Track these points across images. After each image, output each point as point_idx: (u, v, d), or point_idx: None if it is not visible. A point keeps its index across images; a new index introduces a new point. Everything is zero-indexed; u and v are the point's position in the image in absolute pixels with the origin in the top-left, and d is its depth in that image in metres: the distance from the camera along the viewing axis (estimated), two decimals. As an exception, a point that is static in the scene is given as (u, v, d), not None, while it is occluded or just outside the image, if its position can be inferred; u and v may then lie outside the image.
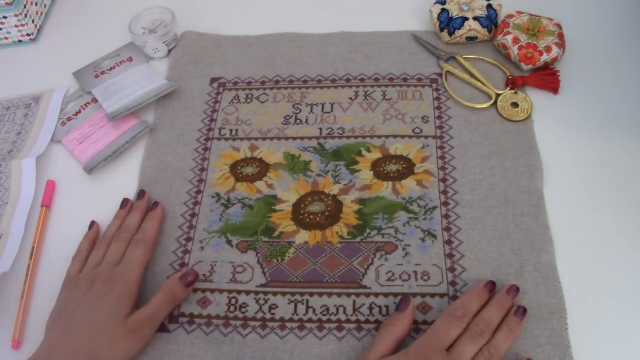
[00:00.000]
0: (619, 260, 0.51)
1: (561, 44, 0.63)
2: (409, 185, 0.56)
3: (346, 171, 0.58)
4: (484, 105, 0.61)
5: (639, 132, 0.58)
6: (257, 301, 0.51)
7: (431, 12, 0.68)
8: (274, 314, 0.50)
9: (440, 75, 0.65)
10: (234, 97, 0.66)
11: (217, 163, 0.60)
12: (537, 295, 0.49)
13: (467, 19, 0.65)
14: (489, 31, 0.66)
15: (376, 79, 0.65)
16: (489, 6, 0.66)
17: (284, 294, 0.51)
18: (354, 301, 0.50)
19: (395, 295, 0.50)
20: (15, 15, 0.72)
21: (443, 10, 0.67)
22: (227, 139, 0.62)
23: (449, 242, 0.53)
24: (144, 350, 0.49)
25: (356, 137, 0.61)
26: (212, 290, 0.52)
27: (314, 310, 0.50)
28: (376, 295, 0.50)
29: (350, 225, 0.54)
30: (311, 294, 0.51)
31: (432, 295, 0.50)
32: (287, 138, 0.61)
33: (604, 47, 0.66)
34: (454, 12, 0.66)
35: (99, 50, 0.71)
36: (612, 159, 0.57)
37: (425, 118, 0.61)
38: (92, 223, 0.56)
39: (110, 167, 0.62)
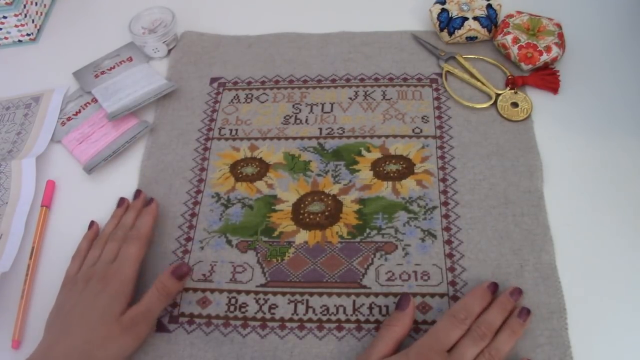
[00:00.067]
0: (619, 260, 0.51)
1: (561, 44, 0.63)
2: (409, 185, 0.56)
3: (346, 171, 0.58)
4: (484, 105, 0.61)
5: (639, 132, 0.58)
6: (257, 301, 0.51)
7: (431, 12, 0.68)
8: (274, 314, 0.50)
9: (440, 75, 0.65)
10: (234, 97, 0.66)
11: (217, 163, 0.60)
12: (537, 295, 0.49)
13: (467, 19, 0.65)
14: (489, 31, 0.66)
15: (376, 79, 0.65)
16: (489, 6, 0.66)
17: (284, 294, 0.51)
18: (354, 301, 0.50)
19: (395, 295, 0.50)
20: (15, 15, 0.72)
21: (443, 10, 0.67)
22: (227, 139, 0.62)
23: (449, 242, 0.53)
24: (144, 350, 0.49)
25: (356, 137, 0.61)
26: (212, 290, 0.52)
27: (314, 310, 0.50)
28: (376, 295, 0.50)
29: (350, 225, 0.54)
30: (311, 294, 0.51)
31: (432, 295, 0.50)
32: (287, 138, 0.61)
33: (604, 47, 0.66)
34: (454, 12, 0.66)
35: (99, 50, 0.71)
36: (612, 159, 0.57)
37: (425, 118, 0.61)
38: (92, 223, 0.56)
39: (110, 167, 0.62)
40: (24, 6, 0.73)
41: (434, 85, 0.64)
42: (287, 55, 0.69)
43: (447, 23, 0.66)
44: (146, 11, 0.72)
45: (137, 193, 0.58)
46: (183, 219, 0.57)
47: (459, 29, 0.65)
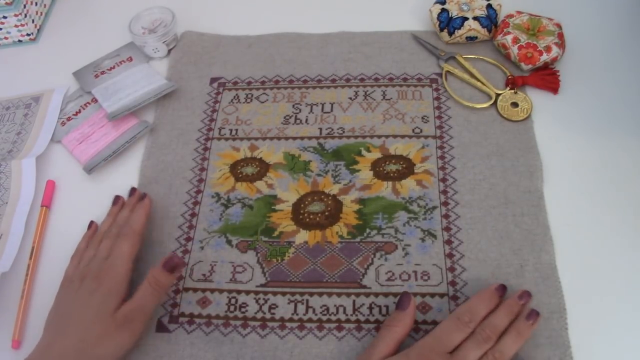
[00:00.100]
0: (619, 260, 0.51)
1: (561, 44, 0.63)
2: (409, 185, 0.56)
3: (346, 171, 0.58)
4: (484, 105, 0.61)
5: (639, 132, 0.58)
6: (257, 301, 0.51)
7: (431, 12, 0.68)
8: (274, 314, 0.50)
9: (440, 75, 0.65)
10: (234, 97, 0.66)
11: (217, 163, 0.60)
12: (537, 295, 0.49)
13: (467, 19, 0.65)
14: (489, 31, 0.66)
15: (376, 79, 0.65)
16: (489, 6, 0.66)
17: (284, 294, 0.51)
18: (354, 301, 0.50)
19: (395, 295, 0.50)
20: (15, 15, 0.72)
21: (443, 10, 0.67)
22: (227, 139, 0.62)
23: (449, 242, 0.53)
24: (144, 350, 0.49)
25: (356, 137, 0.61)
26: (212, 290, 0.52)
27: (314, 310, 0.50)
28: (376, 295, 0.50)
29: (350, 225, 0.54)
30: (311, 294, 0.51)
31: (432, 295, 0.50)
32: (287, 138, 0.61)
33: (604, 47, 0.66)
34: (454, 12, 0.66)
35: (99, 50, 0.71)
36: (612, 159, 0.57)
37: (425, 118, 0.61)
38: (91, 223, 0.56)
39: (110, 167, 0.62)
40: (24, 6, 0.73)
41: (434, 85, 0.64)
42: (287, 55, 0.69)
43: (447, 23, 0.66)
44: (146, 11, 0.72)
45: (132, 191, 0.58)
46: (183, 219, 0.57)
47: (459, 29, 0.65)
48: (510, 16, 0.65)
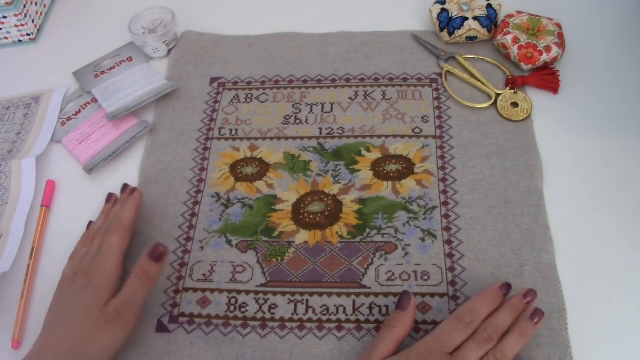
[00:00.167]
0: (619, 260, 0.51)
1: (561, 44, 0.63)
2: (409, 185, 0.56)
3: (346, 171, 0.58)
4: (484, 105, 0.61)
5: (639, 132, 0.58)
6: (257, 301, 0.51)
7: (431, 12, 0.68)
8: (274, 314, 0.50)
9: (440, 75, 0.65)
10: (234, 97, 0.66)
11: (217, 163, 0.60)
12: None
13: (467, 19, 0.65)
14: (489, 31, 0.66)
15: (376, 79, 0.65)
16: (489, 6, 0.66)
17: (284, 294, 0.51)
18: (354, 301, 0.50)
19: (395, 295, 0.50)
20: (15, 15, 0.72)
21: (443, 10, 0.67)
22: (227, 139, 0.62)
23: (449, 242, 0.53)
24: (144, 350, 0.49)
25: (356, 137, 0.61)
26: (212, 290, 0.52)
27: (314, 310, 0.50)
28: (376, 295, 0.50)
29: (350, 225, 0.54)
30: (311, 294, 0.51)
31: (432, 295, 0.50)
32: (287, 138, 0.61)
33: (604, 47, 0.66)
34: (454, 12, 0.66)
35: (99, 50, 0.71)
36: (612, 159, 0.57)
37: (425, 118, 0.61)
38: (90, 223, 0.56)
39: (110, 167, 0.62)
40: (24, 6, 0.73)
41: (434, 85, 0.64)
42: (287, 55, 0.69)
43: (447, 23, 0.66)
44: (146, 11, 0.72)
45: (124, 187, 0.58)
46: (183, 219, 0.57)
47: (459, 29, 0.65)
48: (510, 16, 0.65)
